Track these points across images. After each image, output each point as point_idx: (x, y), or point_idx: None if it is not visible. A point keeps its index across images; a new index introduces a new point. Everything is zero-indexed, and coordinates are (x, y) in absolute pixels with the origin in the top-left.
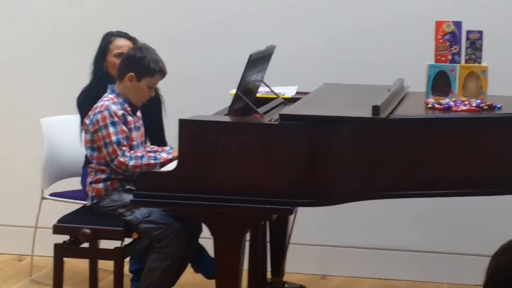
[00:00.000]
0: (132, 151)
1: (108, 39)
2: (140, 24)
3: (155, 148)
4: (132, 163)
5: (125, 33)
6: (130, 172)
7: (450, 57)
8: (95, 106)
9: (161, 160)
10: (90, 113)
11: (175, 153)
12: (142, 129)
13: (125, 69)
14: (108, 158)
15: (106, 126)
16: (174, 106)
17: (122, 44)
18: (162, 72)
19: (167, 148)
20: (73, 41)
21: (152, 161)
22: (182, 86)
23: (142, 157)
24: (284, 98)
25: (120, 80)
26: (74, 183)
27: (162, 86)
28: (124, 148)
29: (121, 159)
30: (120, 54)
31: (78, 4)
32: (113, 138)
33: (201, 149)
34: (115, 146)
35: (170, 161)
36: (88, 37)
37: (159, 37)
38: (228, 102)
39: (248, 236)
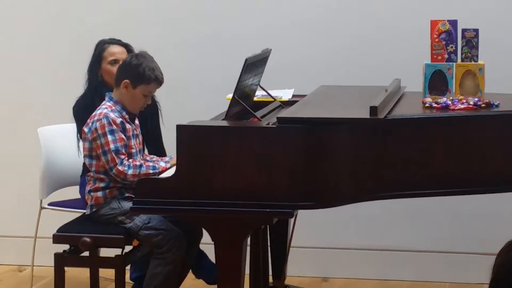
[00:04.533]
0: (130, 160)
1: (101, 46)
2: (136, 31)
3: (154, 158)
4: (130, 172)
5: (118, 40)
6: (128, 181)
7: (446, 56)
8: (93, 114)
9: (160, 170)
10: (88, 121)
11: (173, 161)
12: (140, 137)
13: (121, 76)
14: (106, 166)
15: (104, 134)
16: (170, 112)
17: (115, 51)
18: (158, 81)
19: (166, 158)
20: (67, 50)
21: (151, 171)
22: (179, 92)
23: (140, 166)
24: (281, 101)
25: (116, 87)
26: (73, 192)
27: (158, 92)
28: (123, 157)
29: (120, 168)
30: (115, 61)
31: (75, 12)
32: (112, 146)
33: (199, 154)
34: (114, 154)
35: (168, 170)
36: (82, 45)
37: (155, 43)
38: (225, 107)
39: (249, 240)
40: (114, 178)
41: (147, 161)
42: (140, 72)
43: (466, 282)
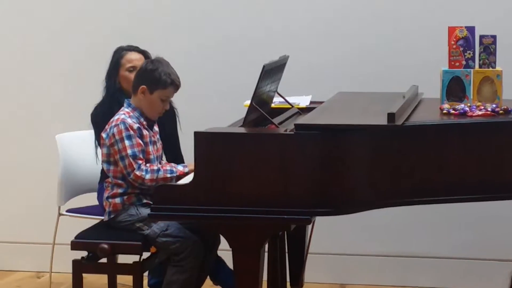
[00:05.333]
0: (148, 164)
1: (119, 53)
2: (155, 37)
3: (173, 164)
4: (148, 176)
5: (136, 47)
6: (146, 186)
7: (464, 62)
8: (111, 120)
9: (177, 173)
10: (106, 127)
11: (191, 166)
12: (159, 144)
13: (138, 82)
14: (124, 171)
15: (122, 140)
16: (188, 118)
17: (133, 58)
18: (174, 85)
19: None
20: (84, 56)
21: (168, 175)
22: (197, 99)
23: (158, 170)
24: (299, 108)
25: (134, 94)
26: (91, 199)
27: (176, 99)
28: (140, 162)
29: (137, 172)
30: (132, 67)
31: (92, 21)
32: (129, 151)
33: (217, 161)
34: (131, 160)
35: (186, 174)
36: (99, 52)
37: (173, 50)
38: (242, 113)
39: (266, 246)
40: (132, 183)
41: (164, 165)
42: (156, 77)
43: None
